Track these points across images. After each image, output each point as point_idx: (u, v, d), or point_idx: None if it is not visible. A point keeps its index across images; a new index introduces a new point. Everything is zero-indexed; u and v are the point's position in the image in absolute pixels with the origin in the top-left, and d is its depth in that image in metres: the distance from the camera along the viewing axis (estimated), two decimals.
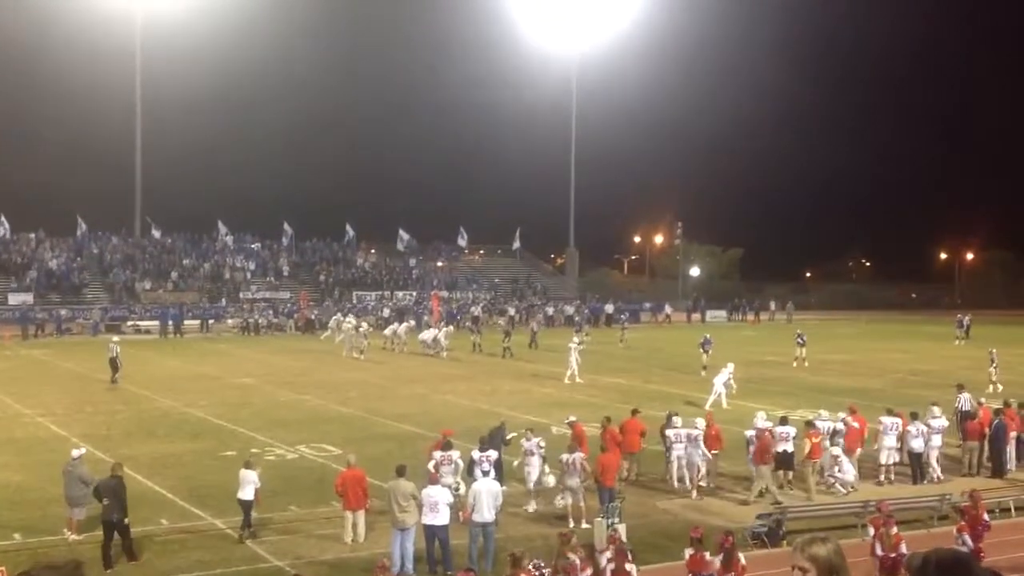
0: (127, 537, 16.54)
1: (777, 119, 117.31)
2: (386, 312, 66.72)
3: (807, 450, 20.23)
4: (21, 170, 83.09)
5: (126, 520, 16.50)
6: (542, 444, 19.82)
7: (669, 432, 21.10)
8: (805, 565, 3.95)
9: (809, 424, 20.98)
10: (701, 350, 41.81)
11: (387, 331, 52.58)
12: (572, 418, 21.71)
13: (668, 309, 77.28)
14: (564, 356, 39.58)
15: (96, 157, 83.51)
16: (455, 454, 18.73)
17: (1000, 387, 34.50)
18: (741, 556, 13.49)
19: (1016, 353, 45.09)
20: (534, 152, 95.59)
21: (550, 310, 72.91)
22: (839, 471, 20.87)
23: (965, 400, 25.15)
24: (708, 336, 43.57)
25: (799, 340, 45.04)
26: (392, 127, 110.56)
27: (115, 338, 41.30)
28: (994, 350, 37.45)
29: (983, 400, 26.66)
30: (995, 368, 36.43)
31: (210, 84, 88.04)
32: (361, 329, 48.57)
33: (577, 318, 69.40)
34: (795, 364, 43.82)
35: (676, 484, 20.80)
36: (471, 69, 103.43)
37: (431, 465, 18.05)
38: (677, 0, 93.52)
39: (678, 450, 20.84)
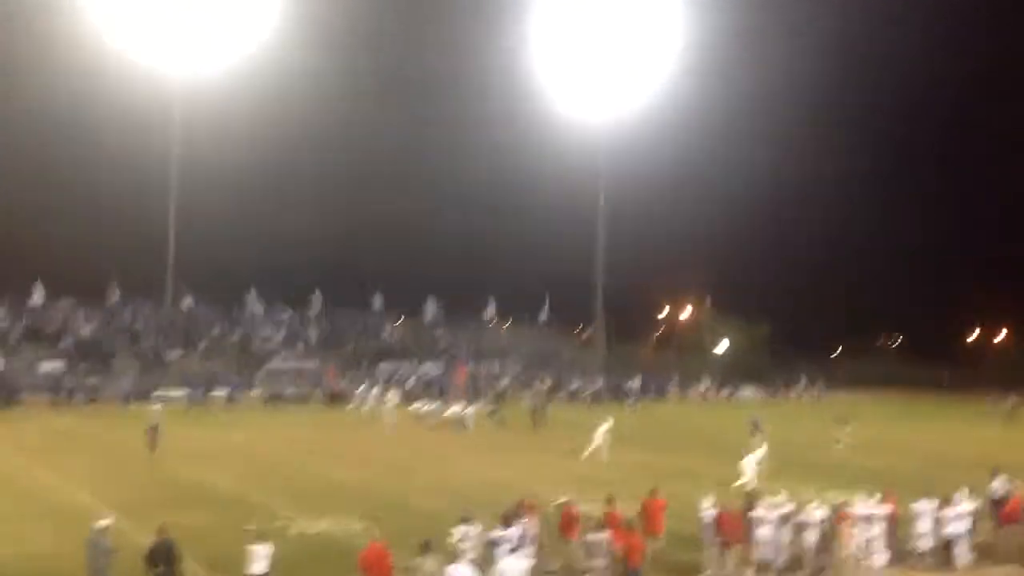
0: None
1: (810, 191, 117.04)
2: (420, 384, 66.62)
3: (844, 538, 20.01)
4: (55, 236, 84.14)
5: None
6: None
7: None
8: None
9: (841, 506, 20.69)
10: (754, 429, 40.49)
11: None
12: (563, 499, 20.91)
13: (704, 385, 76.84)
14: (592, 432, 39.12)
15: (130, 223, 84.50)
16: (476, 529, 18.49)
17: None
18: None
19: None
20: (562, 224, 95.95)
21: (574, 385, 72.62)
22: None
23: (999, 485, 24.69)
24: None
25: (841, 422, 43.83)
26: (422, 196, 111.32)
27: (157, 406, 41.63)
28: None
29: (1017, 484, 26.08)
30: None
31: (244, 150, 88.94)
32: (391, 403, 48.57)
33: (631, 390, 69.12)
34: (840, 445, 42.87)
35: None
36: (502, 137, 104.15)
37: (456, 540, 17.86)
38: (706, 68, 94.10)
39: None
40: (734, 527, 20.14)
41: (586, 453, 37.92)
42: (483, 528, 18.63)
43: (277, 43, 75.91)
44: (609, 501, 20.83)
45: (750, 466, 31.01)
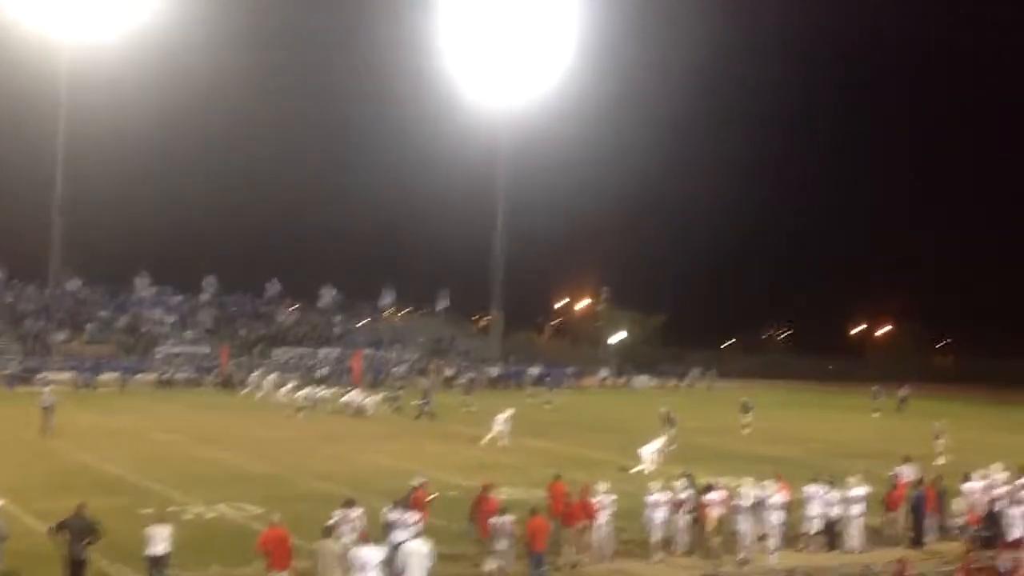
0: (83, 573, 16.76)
1: (702, 184, 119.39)
2: (322, 372, 65.89)
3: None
4: None
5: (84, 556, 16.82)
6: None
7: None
8: None
9: (708, 489, 21.25)
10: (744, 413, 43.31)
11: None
12: (419, 480, 20.70)
13: (604, 372, 77.83)
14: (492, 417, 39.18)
15: (13, 201, 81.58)
16: (355, 512, 18.37)
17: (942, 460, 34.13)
18: None
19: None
20: (460, 212, 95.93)
21: (473, 373, 72.75)
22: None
23: (909, 470, 25.44)
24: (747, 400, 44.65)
25: (744, 408, 45.17)
26: (318, 182, 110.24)
27: (47, 388, 40.44)
28: (938, 423, 37.95)
29: (898, 470, 26.93)
30: (940, 441, 36.77)
31: (134, 131, 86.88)
32: (284, 387, 47.92)
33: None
34: (744, 431, 43.89)
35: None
36: (399, 125, 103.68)
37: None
38: (605, 62, 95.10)
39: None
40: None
41: (485, 440, 38.04)
42: (363, 512, 18.44)
43: (171, 12, 73.56)
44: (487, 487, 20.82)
45: (648, 453, 31.62)
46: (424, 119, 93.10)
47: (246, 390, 56.19)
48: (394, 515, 18.36)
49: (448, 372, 71.71)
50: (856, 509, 22.22)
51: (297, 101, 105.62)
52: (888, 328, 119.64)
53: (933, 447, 36.27)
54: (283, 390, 47.88)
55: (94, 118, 77.10)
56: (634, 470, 30.76)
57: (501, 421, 38.47)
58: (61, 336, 66.65)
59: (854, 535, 22.13)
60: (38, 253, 75.86)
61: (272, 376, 53.88)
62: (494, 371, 74.44)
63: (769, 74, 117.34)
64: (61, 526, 17.31)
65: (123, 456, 32.29)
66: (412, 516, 18.37)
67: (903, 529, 23.02)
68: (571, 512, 20.27)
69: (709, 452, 37.34)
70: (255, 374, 57.58)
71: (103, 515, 22.49)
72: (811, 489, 22.29)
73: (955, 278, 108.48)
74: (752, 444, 40.86)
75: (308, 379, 59.18)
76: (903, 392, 60.14)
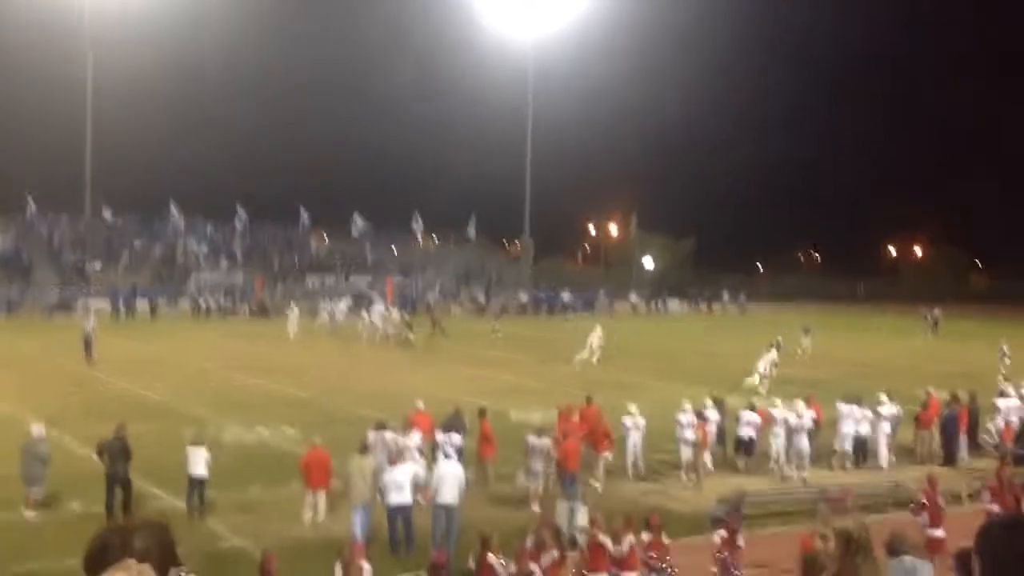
0: (129, 494, 17.43)
1: (732, 111, 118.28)
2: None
3: (701, 439, 20.74)
4: None
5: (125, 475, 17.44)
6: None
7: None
8: (827, 533, 4.07)
9: (699, 415, 21.36)
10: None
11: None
12: (418, 404, 21.30)
13: (634, 298, 77.72)
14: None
15: (46, 136, 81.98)
16: (388, 434, 18.73)
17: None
18: (664, 536, 13.76)
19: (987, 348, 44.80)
20: (490, 140, 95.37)
21: (502, 299, 72.98)
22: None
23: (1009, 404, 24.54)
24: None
25: (804, 331, 45.26)
26: (346, 112, 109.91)
27: (91, 316, 41.13)
28: (1005, 345, 37.79)
29: (930, 390, 26.94)
30: (1006, 360, 36.56)
31: (164, 64, 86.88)
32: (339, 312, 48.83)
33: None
34: (800, 353, 43.61)
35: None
36: (427, 55, 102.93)
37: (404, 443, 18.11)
38: None
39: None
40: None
41: (579, 358, 38.92)
42: (394, 435, 18.77)
43: None
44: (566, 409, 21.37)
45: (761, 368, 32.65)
46: (453, 46, 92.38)
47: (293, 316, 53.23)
48: (441, 436, 18.77)
49: (479, 298, 71.98)
50: (886, 427, 22.34)
51: (323, 35, 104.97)
52: (921, 249, 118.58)
53: (998, 366, 36.17)
54: (338, 315, 49.06)
55: (123, 52, 77.23)
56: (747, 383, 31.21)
57: (595, 339, 39.48)
58: (97, 266, 67.34)
59: (883, 453, 22.28)
60: (71, 184, 76.53)
61: (342, 304, 55.11)
62: (524, 297, 74.60)
63: (795, 3, 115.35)
64: (100, 448, 17.71)
65: (161, 383, 32.83)
66: (455, 439, 18.75)
67: (936, 447, 23.13)
68: (595, 436, 20.50)
69: (742, 375, 37.37)
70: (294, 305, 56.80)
71: (143, 439, 23.10)
72: (843, 408, 22.41)
73: (991, 199, 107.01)
74: (788, 367, 40.62)
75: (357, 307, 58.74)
76: (935, 313, 59.80)
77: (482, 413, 20.61)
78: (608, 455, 20.46)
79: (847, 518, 3.56)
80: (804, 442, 21.30)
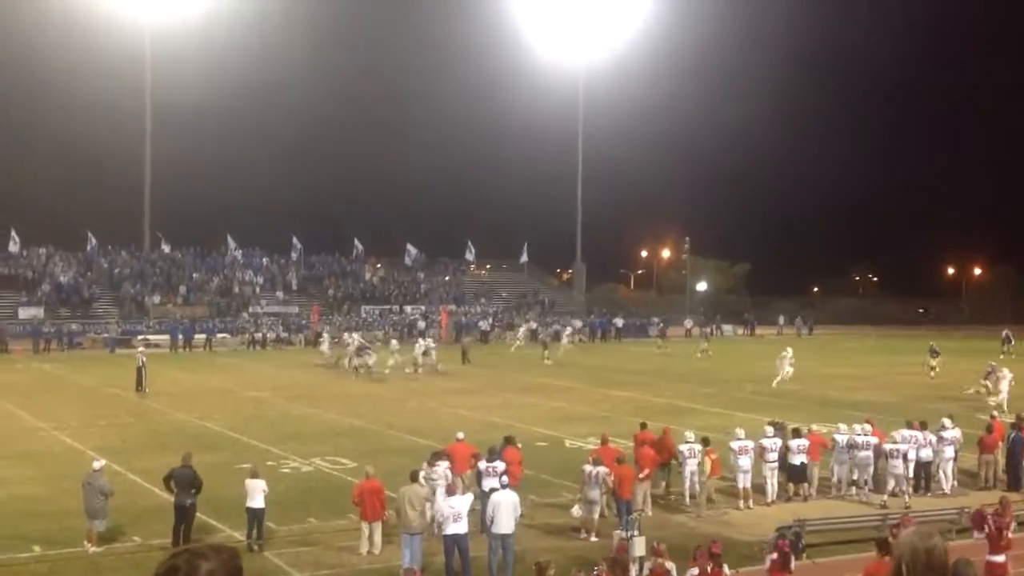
0: (190, 524, 17.71)
1: (785, 134, 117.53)
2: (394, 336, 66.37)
3: (708, 468, 20.37)
4: (31, 185, 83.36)
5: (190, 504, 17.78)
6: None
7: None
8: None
9: (706, 442, 21.08)
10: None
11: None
12: (459, 435, 21.18)
13: (688, 323, 77.28)
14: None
15: (106, 172, 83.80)
16: (443, 465, 18.71)
17: None
18: (726, 567, 13.56)
19: None
20: (541, 166, 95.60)
21: (557, 326, 72.82)
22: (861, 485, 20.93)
23: None
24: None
25: (932, 351, 45.87)
26: (399, 141, 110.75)
27: (141, 348, 41.64)
28: None
29: (995, 414, 26.56)
30: None
31: (219, 99, 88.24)
32: (355, 343, 47.38)
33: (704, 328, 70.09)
34: (932, 374, 44.34)
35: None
36: (478, 82, 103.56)
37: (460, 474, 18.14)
38: (684, 13, 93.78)
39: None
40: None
41: (776, 381, 40.05)
42: (448, 465, 18.76)
43: None
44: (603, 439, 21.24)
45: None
46: (504, 75, 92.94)
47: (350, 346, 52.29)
48: (484, 465, 18.71)
49: (532, 325, 71.91)
50: (949, 451, 21.95)
51: (379, 66, 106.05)
52: (981, 270, 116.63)
53: None
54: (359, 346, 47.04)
55: (180, 90, 78.85)
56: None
57: (786, 360, 40.90)
58: (156, 299, 68.35)
59: (947, 477, 21.88)
60: (130, 219, 77.94)
61: (354, 336, 52.25)
62: (578, 323, 74.40)
63: (863, 23, 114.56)
64: (168, 477, 18.07)
65: (220, 414, 33.16)
66: (499, 467, 18.63)
67: (1000, 471, 22.66)
68: (646, 459, 20.27)
69: (796, 398, 37.01)
70: (351, 334, 55.72)
71: (203, 471, 23.34)
72: (904, 433, 22.05)
73: None
74: (846, 391, 40.18)
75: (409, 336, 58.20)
76: (1005, 333, 58.81)
77: (508, 440, 20.64)
78: (646, 481, 20.15)
79: (920, 539, 3.50)
80: (870, 466, 21.15)
